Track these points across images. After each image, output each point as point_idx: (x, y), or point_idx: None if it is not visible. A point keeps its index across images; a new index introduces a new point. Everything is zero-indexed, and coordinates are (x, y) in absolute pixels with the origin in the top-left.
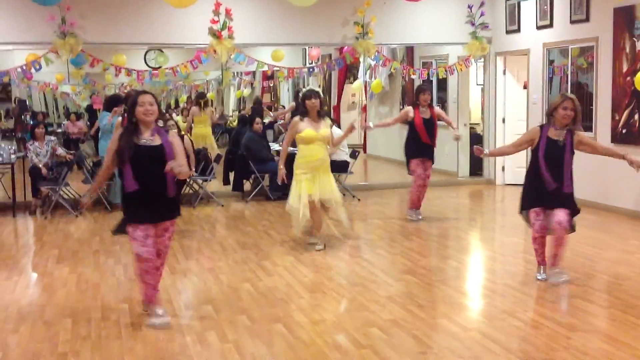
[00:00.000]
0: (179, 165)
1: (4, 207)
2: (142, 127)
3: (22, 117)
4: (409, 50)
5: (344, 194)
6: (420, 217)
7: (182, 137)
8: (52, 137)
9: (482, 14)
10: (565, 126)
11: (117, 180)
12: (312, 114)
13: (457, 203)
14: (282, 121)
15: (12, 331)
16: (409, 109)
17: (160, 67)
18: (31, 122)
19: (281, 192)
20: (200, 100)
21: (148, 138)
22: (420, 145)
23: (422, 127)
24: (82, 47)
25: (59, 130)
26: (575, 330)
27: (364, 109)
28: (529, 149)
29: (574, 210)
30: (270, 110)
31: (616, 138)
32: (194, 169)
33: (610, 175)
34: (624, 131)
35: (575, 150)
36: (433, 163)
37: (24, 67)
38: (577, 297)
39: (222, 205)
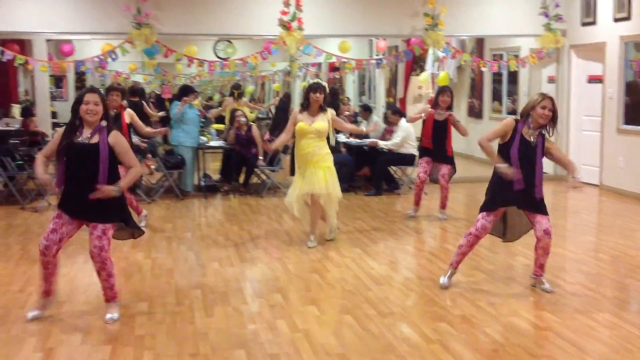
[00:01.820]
0: (106, 190)
1: None
2: (85, 125)
3: None
4: (479, 42)
5: (410, 187)
6: (414, 214)
7: (249, 127)
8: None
9: (556, 5)
10: (540, 127)
11: (187, 168)
12: (313, 108)
13: None
14: (347, 113)
15: (92, 313)
16: (427, 107)
17: (228, 58)
18: None
19: (347, 183)
20: (235, 91)
21: (85, 136)
22: (424, 145)
23: (429, 129)
24: (156, 37)
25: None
26: None
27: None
28: (499, 143)
29: (547, 215)
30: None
31: None
32: (262, 158)
33: None
34: None
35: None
36: (452, 166)
37: (101, 57)
38: None
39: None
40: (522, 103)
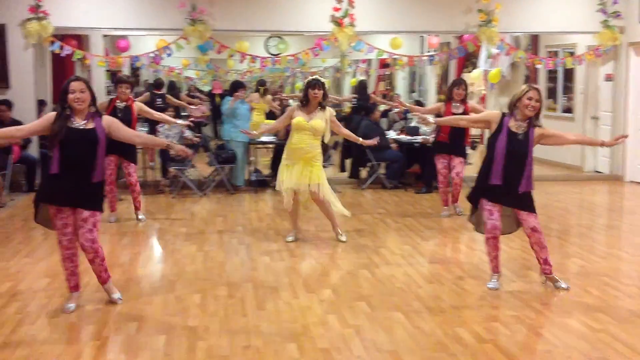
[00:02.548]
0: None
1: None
2: (75, 113)
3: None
4: (534, 38)
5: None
6: (448, 213)
7: None
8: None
9: (614, 2)
10: (527, 118)
11: (239, 162)
12: (313, 104)
13: (581, 199)
14: (397, 110)
15: (146, 303)
16: (440, 105)
17: (279, 54)
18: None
19: (397, 180)
20: (260, 87)
21: (81, 123)
22: (440, 140)
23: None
24: (210, 33)
25: (183, 113)
26: None
27: (483, 99)
28: (487, 136)
29: (534, 211)
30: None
31: None
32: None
33: None
34: None
35: (535, 145)
36: (465, 159)
37: (156, 53)
38: None
39: (339, 192)
40: (578, 101)
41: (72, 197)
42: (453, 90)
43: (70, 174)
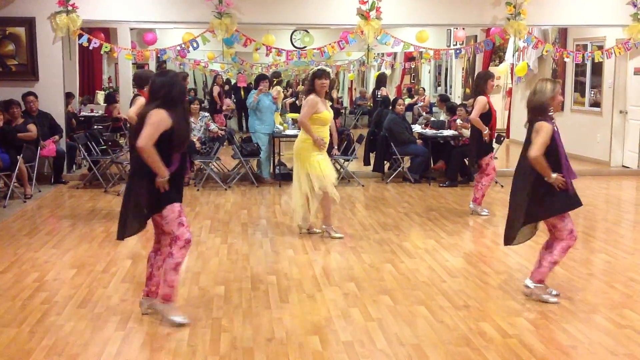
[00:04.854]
0: None
1: None
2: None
3: None
4: (562, 31)
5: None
6: (488, 212)
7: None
8: (206, 113)
9: None
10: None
11: (263, 156)
12: (321, 94)
13: (608, 194)
14: (421, 103)
15: None
16: (483, 99)
17: (305, 47)
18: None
19: (419, 174)
20: (274, 79)
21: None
22: (492, 138)
23: (495, 118)
24: (236, 27)
25: (207, 106)
26: None
27: (509, 92)
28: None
29: None
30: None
31: None
32: (335, 147)
33: None
34: None
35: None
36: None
37: (183, 46)
38: None
39: (363, 186)
40: (606, 95)
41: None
42: (488, 83)
43: (180, 170)
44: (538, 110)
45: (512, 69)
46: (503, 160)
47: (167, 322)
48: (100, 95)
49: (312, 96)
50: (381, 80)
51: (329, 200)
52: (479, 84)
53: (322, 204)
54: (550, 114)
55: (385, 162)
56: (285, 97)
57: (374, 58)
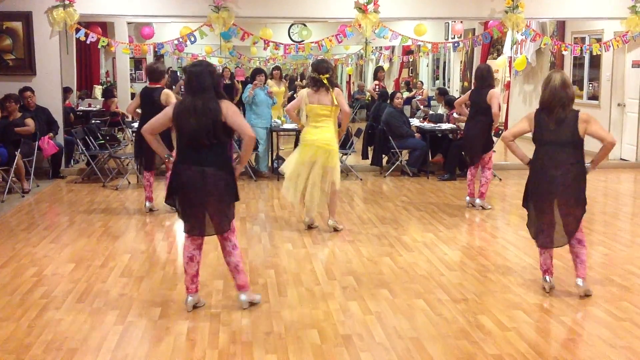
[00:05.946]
0: None
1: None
2: None
3: (173, 87)
4: (560, 24)
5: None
6: (490, 207)
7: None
8: None
9: None
10: None
11: (261, 150)
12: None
13: (606, 187)
14: (420, 97)
15: (170, 288)
16: (498, 91)
17: (303, 41)
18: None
19: (417, 168)
20: (274, 72)
21: None
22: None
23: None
24: (234, 20)
25: None
26: None
27: (507, 86)
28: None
29: None
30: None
31: None
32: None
33: None
34: None
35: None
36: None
37: (180, 40)
38: None
39: (361, 180)
40: (604, 88)
41: None
42: (493, 74)
43: None
44: (572, 102)
45: (510, 62)
46: (501, 154)
47: (246, 306)
48: (98, 90)
49: (338, 90)
50: (375, 73)
51: (336, 196)
52: (487, 77)
53: (332, 199)
54: None
55: (383, 155)
56: (301, 87)
57: (372, 52)
